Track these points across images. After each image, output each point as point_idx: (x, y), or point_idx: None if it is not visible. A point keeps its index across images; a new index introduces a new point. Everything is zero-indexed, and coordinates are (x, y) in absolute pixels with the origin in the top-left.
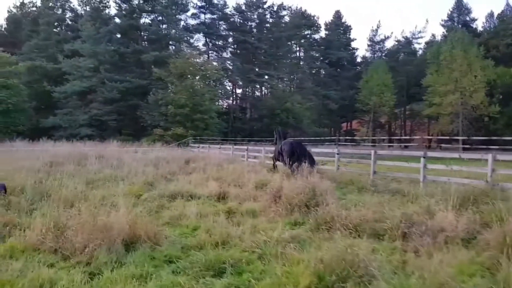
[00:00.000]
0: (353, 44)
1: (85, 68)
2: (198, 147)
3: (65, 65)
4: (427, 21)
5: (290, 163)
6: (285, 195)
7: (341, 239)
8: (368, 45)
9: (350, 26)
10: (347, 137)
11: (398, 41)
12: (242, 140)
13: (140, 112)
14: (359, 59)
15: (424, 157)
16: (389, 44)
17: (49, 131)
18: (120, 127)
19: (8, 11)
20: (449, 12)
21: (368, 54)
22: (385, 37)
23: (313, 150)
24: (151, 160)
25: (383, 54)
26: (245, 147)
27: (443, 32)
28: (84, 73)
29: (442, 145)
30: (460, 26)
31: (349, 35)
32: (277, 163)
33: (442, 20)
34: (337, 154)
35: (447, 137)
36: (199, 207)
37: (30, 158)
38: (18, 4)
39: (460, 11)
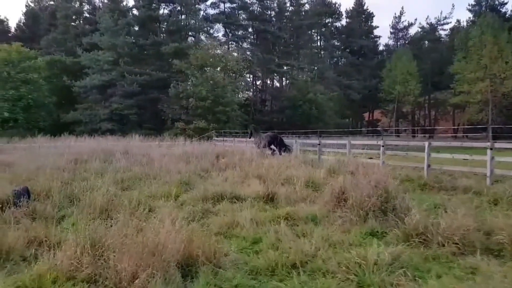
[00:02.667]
0: (375, 32)
1: (104, 61)
2: (223, 140)
3: (84, 58)
4: (453, 6)
5: (270, 149)
6: (353, 197)
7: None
8: (391, 33)
9: (372, 13)
10: (370, 128)
11: (422, 28)
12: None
13: (160, 105)
14: (381, 47)
15: (491, 149)
16: (412, 31)
17: (70, 126)
18: (141, 121)
19: (26, 6)
20: None
21: (391, 42)
22: (408, 24)
23: (353, 142)
24: (179, 155)
25: (407, 42)
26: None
27: (470, 18)
28: (103, 66)
29: (469, 134)
30: (488, 10)
31: (371, 22)
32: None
33: (469, 5)
34: (382, 146)
35: (480, 126)
36: (250, 211)
37: (53, 155)
38: None
39: None
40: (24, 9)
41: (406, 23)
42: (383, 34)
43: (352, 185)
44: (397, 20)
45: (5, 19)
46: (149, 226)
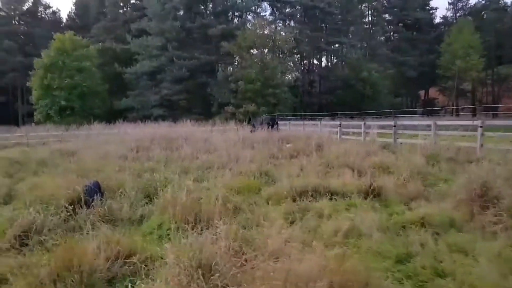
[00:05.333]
0: (432, 4)
1: (153, 46)
2: (277, 123)
3: (134, 45)
4: None
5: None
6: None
7: None
8: (449, 4)
9: None
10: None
11: None
12: (314, 115)
13: (209, 89)
14: (438, 20)
15: None
16: (473, 0)
17: (123, 113)
18: (190, 106)
19: None
20: None
21: (449, 14)
22: None
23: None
24: (240, 140)
25: (467, 13)
26: (335, 123)
27: None
28: (152, 52)
29: None
30: None
31: None
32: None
33: None
34: (480, 127)
35: None
36: (357, 211)
37: (113, 142)
38: None
39: None
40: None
41: None
42: (440, 6)
43: (502, 178)
44: None
45: (57, 10)
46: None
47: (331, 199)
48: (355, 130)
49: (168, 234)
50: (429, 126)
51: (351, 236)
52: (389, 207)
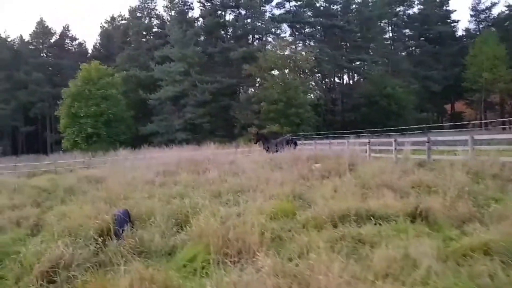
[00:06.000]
0: (453, 16)
1: (176, 72)
2: (302, 143)
3: (157, 71)
4: None
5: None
6: None
7: None
8: (471, 15)
9: None
10: (453, 122)
11: (508, 6)
12: (338, 133)
13: (232, 112)
14: (460, 33)
15: None
16: (496, 11)
17: (148, 138)
18: (213, 129)
19: (101, 27)
20: None
21: (471, 26)
22: (491, 3)
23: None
24: (266, 161)
25: (490, 24)
26: (363, 140)
27: None
28: (175, 77)
29: None
30: None
31: (447, 6)
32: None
33: None
34: None
35: None
36: (407, 237)
37: (139, 168)
38: (108, 19)
39: None
40: (99, 31)
41: (488, 3)
42: (462, 18)
43: None
44: (477, 1)
45: (83, 42)
46: None
47: (375, 224)
48: (385, 148)
49: (203, 267)
50: (464, 141)
51: (406, 267)
52: (440, 231)
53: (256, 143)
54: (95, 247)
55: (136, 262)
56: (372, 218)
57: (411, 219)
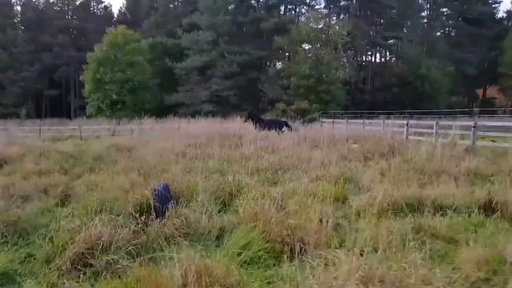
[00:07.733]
0: None
1: (204, 41)
2: (332, 122)
3: (184, 39)
4: None
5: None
6: None
7: None
8: None
9: None
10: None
11: None
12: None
13: (260, 85)
14: (501, 14)
15: None
16: None
17: (173, 108)
18: (240, 103)
19: None
20: None
21: None
22: None
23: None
24: (300, 138)
25: None
26: (402, 122)
27: None
28: (203, 46)
29: None
30: None
31: None
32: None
33: None
34: None
35: None
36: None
37: (168, 138)
38: None
39: None
40: None
41: None
42: None
43: None
44: None
45: (109, 5)
46: None
47: (442, 215)
48: (425, 130)
49: (260, 257)
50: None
51: (500, 271)
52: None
53: (245, 122)
54: (135, 226)
55: (186, 248)
56: (439, 208)
57: (484, 212)
